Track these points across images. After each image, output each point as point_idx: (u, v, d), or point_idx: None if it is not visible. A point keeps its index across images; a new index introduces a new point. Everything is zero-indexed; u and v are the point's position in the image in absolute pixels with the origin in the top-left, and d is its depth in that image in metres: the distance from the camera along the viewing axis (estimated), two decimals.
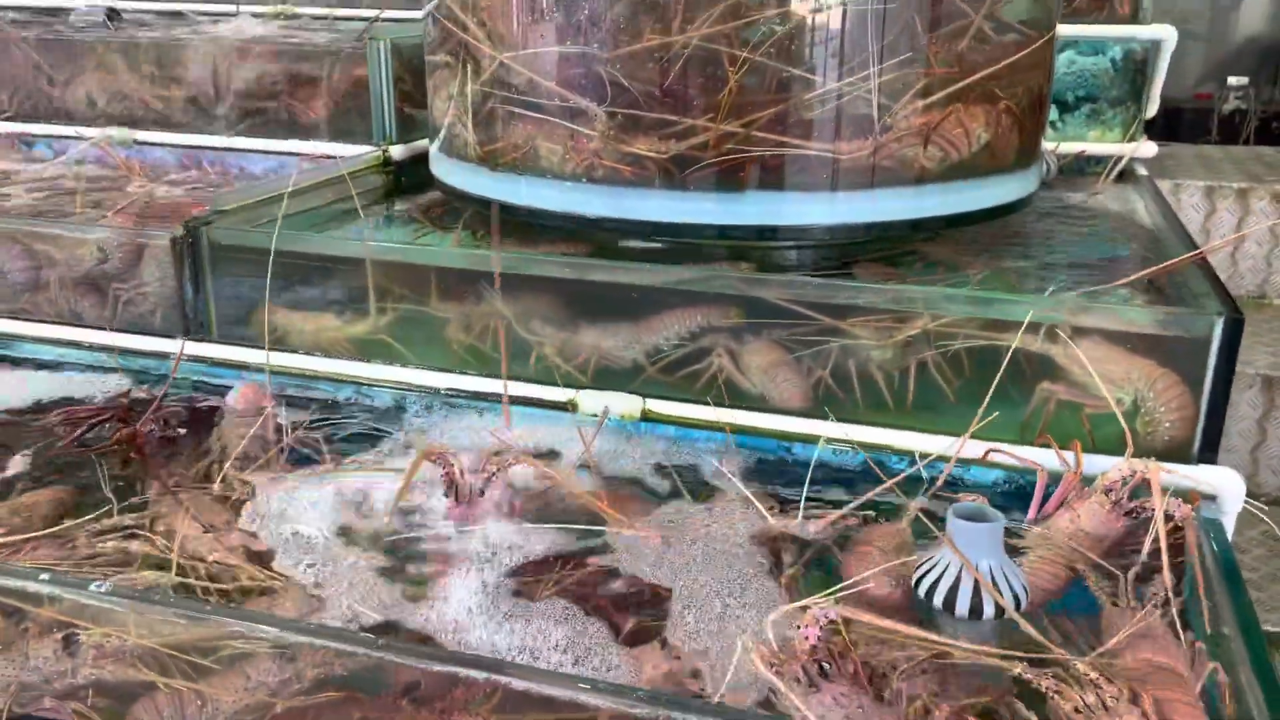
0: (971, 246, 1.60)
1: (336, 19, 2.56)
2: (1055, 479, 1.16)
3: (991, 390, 1.19)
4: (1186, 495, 1.12)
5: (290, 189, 1.69)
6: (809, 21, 1.41)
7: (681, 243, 1.50)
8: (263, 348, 1.49)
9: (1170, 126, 4.56)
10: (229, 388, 1.44)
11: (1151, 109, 2.21)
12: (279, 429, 1.35)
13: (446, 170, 1.67)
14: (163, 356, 1.51)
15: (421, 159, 1.95)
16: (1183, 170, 2.75)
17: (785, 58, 1.41)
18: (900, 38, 1.42)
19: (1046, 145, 2.06)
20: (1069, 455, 1.18)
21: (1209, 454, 1.21)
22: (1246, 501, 1.19)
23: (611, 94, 1.44)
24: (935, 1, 1.44)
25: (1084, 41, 2.15)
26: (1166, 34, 2.12)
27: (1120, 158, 2.10)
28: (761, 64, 1.41)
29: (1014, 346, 1.21)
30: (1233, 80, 4.50)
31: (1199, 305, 1.24)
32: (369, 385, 1.45)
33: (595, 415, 1.35)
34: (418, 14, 2.38)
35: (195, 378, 1.50)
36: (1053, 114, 2.20)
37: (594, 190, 1.46)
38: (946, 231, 1.57)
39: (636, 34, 1.44)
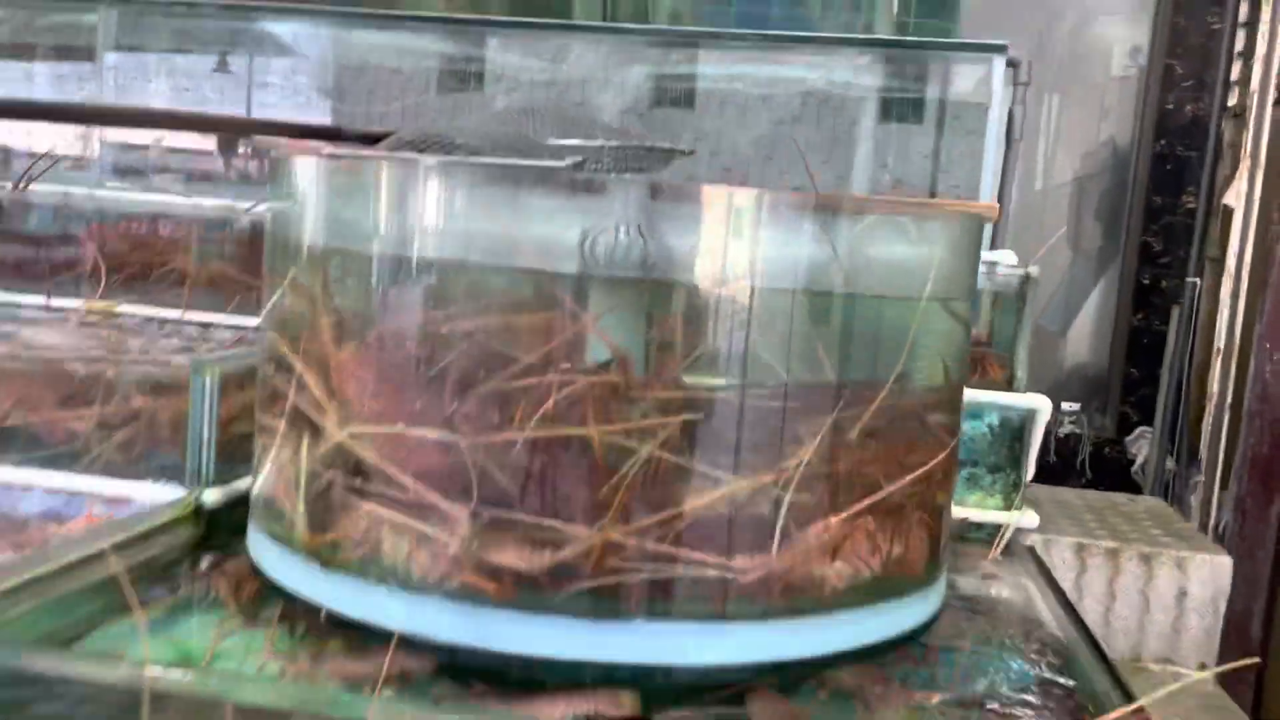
0: (876, 666, 1.40)
1: (164, 322, 2.30)
2: None
3: None
4: None
5: (58, 565, 1.36)
6: (701, 416, 1.25)
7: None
8: None
9: None
10: None
11: (1028, 474, 2.15)
12: None
13: (267, 557, 1.38)
14: None
15: (243, 502, 1.66)
16: (1047, 520, 2.73)
17: (678, 454, 1.24)
18: (805, 446, 1.27)
19: None
20: None
21: None
22: None
23: (474, 489, 1.22)
24: (837, 398, 1.31)
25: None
26: (1041, 404, 2.09)
27: (1005, 529, 2.01)
28: (653, 462, 1.22)
29: None
30: (1065, 406, 4.68)
31: None
32: None
33: None
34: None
35: None
36: None
37: (448, 608, 1.20)
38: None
39: (506, 421, 1.24)
